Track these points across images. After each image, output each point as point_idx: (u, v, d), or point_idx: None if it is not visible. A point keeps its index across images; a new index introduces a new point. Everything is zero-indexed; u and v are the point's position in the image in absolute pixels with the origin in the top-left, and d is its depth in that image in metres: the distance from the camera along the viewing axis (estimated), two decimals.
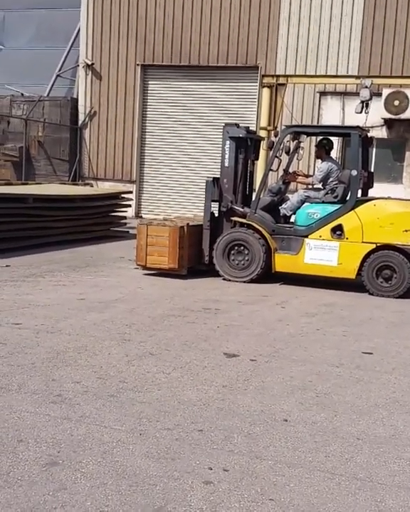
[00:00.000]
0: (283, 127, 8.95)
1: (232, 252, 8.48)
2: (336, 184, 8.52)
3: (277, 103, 13.65)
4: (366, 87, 12.74)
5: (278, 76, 13.90)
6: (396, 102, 14.69)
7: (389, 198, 8.84)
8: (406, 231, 7.81)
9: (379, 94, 14.27)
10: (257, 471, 3.17)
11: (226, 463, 3.23)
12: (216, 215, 8.82)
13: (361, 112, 13.05)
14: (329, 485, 3.07)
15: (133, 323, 5.92)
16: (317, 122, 15.74)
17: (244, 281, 8.33)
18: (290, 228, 8.46)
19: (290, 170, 9.37)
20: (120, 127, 17.56)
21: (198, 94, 17.02)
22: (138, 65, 17.24)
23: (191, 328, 5.85)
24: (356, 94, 12.87)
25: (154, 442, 3.42)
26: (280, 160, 8.87)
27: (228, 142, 8.61)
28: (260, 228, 8.39)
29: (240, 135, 8.63)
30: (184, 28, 16.73)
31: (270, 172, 8.80)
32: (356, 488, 3.05)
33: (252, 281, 8.34)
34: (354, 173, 8.10)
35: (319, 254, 8.12)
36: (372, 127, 15.02)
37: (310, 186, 9.17)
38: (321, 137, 9.33)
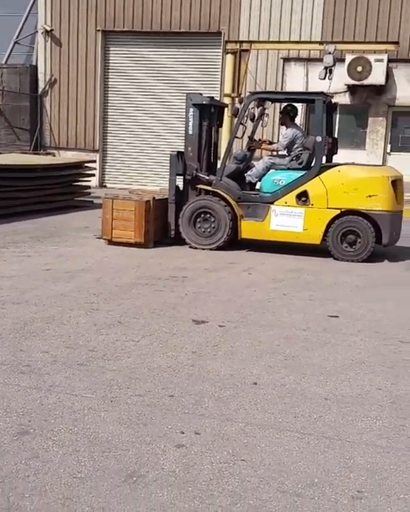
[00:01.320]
0: (248, 94, 8.87)
1: (198, 219, 8.46)
2: (301, 150, 8.52)
3: (241, 69, 13.53)
4: (330, 53, 12.68)
5: (242, 42, 13.78)
6: (359, 68, 14.70)
7: (353, 163, 8.88)
8: (370, 196, 7.87)
9: (343, 60, 14.25)
10: (228, 433, 3.21)
11: (198, 426, 3.27)
12: (181, 189, 8.76)
13: (324, 78, 13.00)
14: (298, 444, 3.13)
15: (100, 292, 5.88)
16: (281, 89, 15.66)
17: (210, 249, 8.34)
18: (256, 195, 8.46)
19: (255, 137, 9.33)
20: (82, 95, 17.22)
21: (161, 60, 16.74)
22: (98, 30, 16.85)
23: (158, 296, 5.85)
24: (320, 60, 12.81)
25: (125, 409, 3.44)
26: (245, 127, 8.82)
27: (191, 110, 8.52)
28: (226, 195, 8.37)
29: (204, 102, 8.54)
30: None
31: (235, 139, 8.74)
32: (325, 447, 3.11)
33: (218, 248, 8.35)
34: (319, 139, 8.11)
35: (285, 220, 8.15)
36: (336, 93, 14.98)
37: (275, 153, 9.15)
38: (285, 104, 9.28)
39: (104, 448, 3.00)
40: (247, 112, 8.54)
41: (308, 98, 9.40)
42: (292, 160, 8.52)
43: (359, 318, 5.42)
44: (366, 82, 14.73)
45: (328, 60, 12.71)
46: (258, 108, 8.99)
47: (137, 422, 3.28)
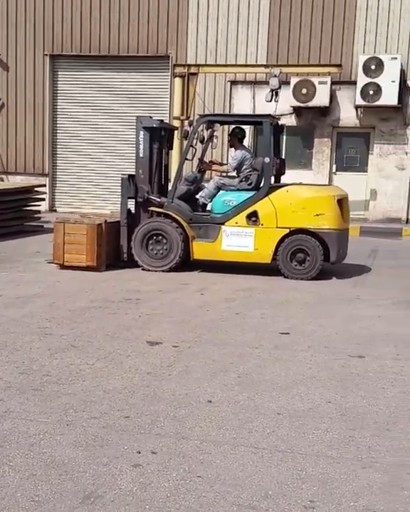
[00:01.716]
0: (197, 117, 9.04)
1: (150, 242, 8.52)
2: (250, 172, 8.72)
3: (190, 92, 13.75)
4: (275, 75, 13.03)
5: (190, 65, 13.99)
6: (304, 90, 15.10)
7: (300, 183, 9.13)
8: (317, 215, 8.10)
9: (288, 83, 14.61)
10: (184, 451, 3.28)
11: (154, 445, 3.32)
12: (133, 212, 8.83)
13: (271, 101, 13.35)
14: (253, 459, 3.22)
15: (53, 317, 5.89)
16: (229, 111, 15.95)
17: (163, 271, 8.41)
18: (207, 216, 8.59)
19: (205, 159, 9.50)
20: (30, 119, 17.18)
21: (110, 84, 16.85)
22: (46, 55, 16.89)
23: (112, 319, 5.89)
24: (266, 83, 13.15)
25: (81, 431, 3.47)
26: (195, 149, 8.98)
27: (141, 133, 8.63)
28: (178, 217, 8.48)
29: (154, 125, 8.67)
30: (93, 17, 16.50)
31: (186, 161, 8.88)
32: (278, 460, 3.21)
33: (171, 270, 8.43)
34: (267, 160, 8.32)
35: (236, 240, 8.30)
36: (282, 115, 15.34)
37: (225, 174, 9.33)
38: (234, 126, 9.49)
39: (61, 471, 3.03)
40: (197, 135, 8.71)
41: (256, 120, 9.63)
42: (241, 181, 8.70)
43: (309, 334, 5.57)
44: (311, 104, 15.13)
45: (274, 82, 13.08)
46: (207, 130, 9.18)
47: (94, 444, 3.32)
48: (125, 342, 5.17)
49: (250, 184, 8.57)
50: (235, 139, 9.13)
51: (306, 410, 3.86)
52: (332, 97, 15.36)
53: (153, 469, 3.08)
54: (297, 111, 15.60)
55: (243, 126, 9.53)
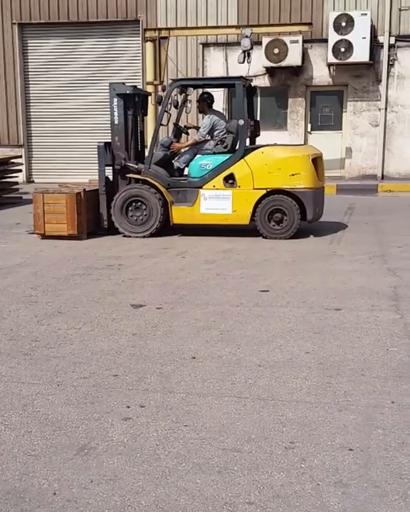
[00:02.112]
0: (170, 81, 9.03)
1: (130, 208, 8.61)
2: (224, 135, 8.78)
3: (162, 57, 13.69)
4: (247, 36, 13.00)
5: (160, 29, 13.91)
6: (276, 50, 15.04)
7: (275, 144, 9.21)
8: (293, 175, 8.22)
9: (259, 43, 14.57)
10: (171, 403, 3.46)
11: (142, 400, 3.50)
12: (111, 179, 8.87)
13: (243, 62, 13.34)
14: (236, 407, 3.41)
15: (38, 285, 6.01)
16: (202, 74, 15.88)
17: (144, 236, 8.53)
18: (185, 181, 8.68)
19: (180, 123, 9.52)
20: (2, 90, 16.97)
21: (81, 51, 16.67)
22: (14, 23, 16.60)
23: (96, 285, 6.03)
24: (238, 44, 13.13)
25: (72, 391, 3.63)
26: (170, 114, 9.00)
27: (115, 100, 8.64)
28: (156, 183, 8.55)
29: (127, 91, 8.67)
30: None
31: (161, 127, 8.91)
32: (260, 407, 3.40)
33: (151, 235, 8.55)
34: (241, 122, 8.38)
35: (214, 203, 8.42)
36: (255, 76, 15.34)
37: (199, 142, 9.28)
38: (202, 92, 9.50)
39: (55, 427, 3.20)
40: (170, 100, 8.73)
41: (228, 83, 9.65)
42: (217, 144, 8.76)
43: (287, 291, 5.75)
44: (283, 63, 15.09)
45: (245, 43, 13.04)
46: (180, 95, 9.19)
47: (85, 402, 3.49)
48: (110, 306, 5.31)
49: (225, 147, 8.64)
50: (204, 105, 9.13)
51: (285, 361, 4.05)
52: (305, 55, 15.34)
53: (142, 422, 3.26)
54: (270, 71, 15.58)
55: (212, 91, 9.53)
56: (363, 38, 14.64)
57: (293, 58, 15.02)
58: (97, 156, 8.85)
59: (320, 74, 15.56)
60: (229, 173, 8.37)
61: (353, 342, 4.39)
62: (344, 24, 14.69)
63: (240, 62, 13.29)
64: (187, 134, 9.58)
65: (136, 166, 8.70)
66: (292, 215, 8.24)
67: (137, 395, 3.57)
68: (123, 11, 16.15)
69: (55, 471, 2.79)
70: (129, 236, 8.58)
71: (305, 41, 15.08)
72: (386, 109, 15.38)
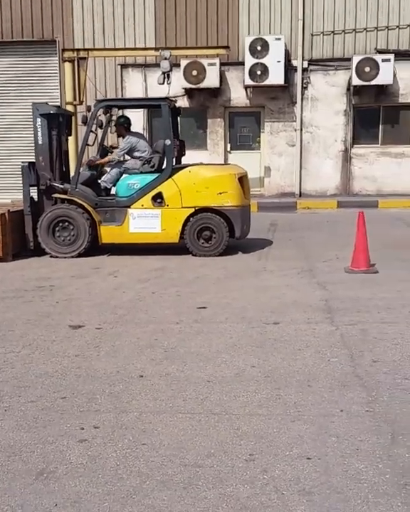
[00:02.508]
0: (95, 102, 9.01)
1: (56, 228, 8.50)
2: (150, 155, 8.83)
3: (81, 77, 13.62)
4: (166, 58, 13.16)
5: (79, 50, 13.84)
6: (195, 72, 15.33)
7: (201, 163, 9.35)
8: (220, 194, 8.37)
9: (178, 65, 14.79)
10: (125, 423, 3.43)
11: (96, 421, 3.45)
12: (36, 199, 8.73)
13: (163, 83, 13.48)
14: (191, 423, 3.42)
15: None
16: (122, 94, 15.95)
17: (72, 257, 8.42)
18: (112, 200, 8.66)
19: (106, 143, 9.50)
20: None
21: None
22: None
23: (30, 307, 5.89)
24: (157, 65, 13.27)
25: (21, 415, 3.54)
26: (96, 134, 8.98)
27: (39, 120, 8.53)
28: (83, 203, 8.49)
29: (51, 112, 8.59)
30: None
31: (87, 147, 8.86)
32: (215, 422, 3.43)
33: (80, 255, 8.45)
34: (168, 142, 8.47)
35: (143, 222, 8.43)
36: (175, 97, 15.51)
37: (114, 162, 9.18)
38: (118, 116, 9.53)
39: (9, 453, 3.10)
40: (95, 120, 8.71)
41: (154, 104, 9.73)
42: (144, 164, 8.81)
43: (224, 306, 5.83)
44: (202, 85, 15.40)
45: (165, 65, 13.20)
46: (105, 115, 9.19)
47: (36, 426, 3.41)
48: (47, 328, 5.21)
49: (152, 166, 8.70)
50: (121, 128, 9.18)
51: (233, 376, 4.10)
52: (222, 78, 15.71)
53: (99, 442, 3.22)
54: (189, 92, 15.84)
55: (132, 111, 9.58)
56: (278, 61, 15.17)
57: (211, 80, 15.36)
58: (20, 176, 8.67)
59: (238, 95, 15.96)
60: (157, 192, 8.42)
61: (295, 354, 4.50)
62: (259, 48, 15.17)
63: (160, 84, 13.43)
64: (92, 164, 9.49)
65: (62, 186, 8.61)
66: (220, 232, 8.37)
67: (89, 416, 3.51)
68: (39, 31, 16.00)
69: (16, 497, 2.71)
70: (57, 257, 8.44)
71: (222, 64, 15.46)
72: (301, 129, 15.95)
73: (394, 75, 15.28)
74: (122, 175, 8.84)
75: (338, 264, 7.68)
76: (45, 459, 3.05)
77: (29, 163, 8.65)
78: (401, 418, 3.44)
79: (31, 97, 15.94)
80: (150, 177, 8.54)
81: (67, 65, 13.53)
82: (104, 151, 9.34)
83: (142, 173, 8.70)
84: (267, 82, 15.29)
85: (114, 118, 9.42)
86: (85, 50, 14.01)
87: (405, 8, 15.43)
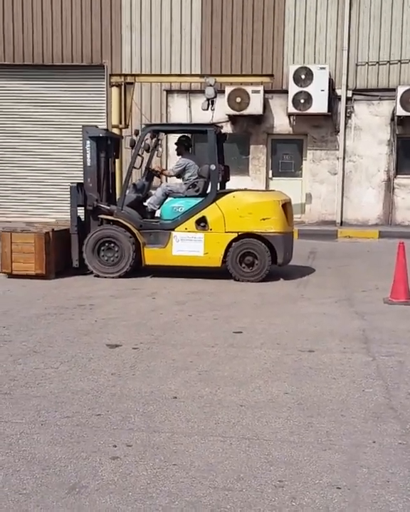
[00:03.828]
0: (143, 126, 9.18)
1: (102, 249, 8.61)
2: (196, 179, 8.94)
3: (127, 101, 13.96)
4: (211, 85, 13.37)
5: (126, 75, 14.21)
6: (238, 99, 15.53)
7: (245, 189, 9.41)
8: (264, 219, 8.40)
9: (222, 92, 15.01)
10: (157, 443, 3.48)
11: (128, 440, 3.51)
12: (83, 219, 8.89)
13: (207, 109, 13.64)
14: (222, 446, 3.45)
15: (10, 324, 5.96)
16: (166, 119, 16.23)
17: (115, 277, 8.53)
18: (157, 223, 8.76)
19: (151, 166, 9.66)
20: None
21: (44, 94, 16.81)
22: None
23: (70, 324, 6.01)
24: (201, 92, 13.51)
25: (56, 430, 3.61)
26: (142, 157, 9.14)
27: (88, 142, 8.73)
28: (128, 224, 8.59)
29: (100, 134, 8.80)
30: (25, 27, 16.48)
31: (133, 169, 8.99)
32: (246, 446, 3.45)
33: (122, 276, 8.56)
34: (213, 167, 8.57)
35: (186, 245, 8.50)
36: (218, 123, 15.77)
37: (167, 179, 9.41)
38: (180, 135, 9.67)
39: (43, 466, 3.18)
40: (143, 144, 8.87)
41: (201, 129, 9.75)
42: (188, 188, 8.91)
43: (260, 332, 5.85)
44: (245, 112, 15.58)
45: (209, 92, 13.39)
46: (152, 139, 9.37)
47: (70, 441, 3.48)
48: (85, 346, 5.31)
49: (197, 191, 8.80)
50: (182, 147, 9.35)
51: (266, 401, 4.12)
52: (266, 105, 15.86)
53: (130, 460, 3.26)
54: (232, 119, 16.02)
55: (172, 137, 9.74)
56: (321, 90, 15.27)
57: (255, 107, 15.53)
58: (65, 197, 8.86)
59: (281, 123, 16.09)
60: (201, 216, 8.49)
61: (329, 383, 4.49)
62: (303, 77, 15.30)
63: (204, 109, 13.60)
64: (159, 176, 9.73)
65: (108, 208, 8.77)
66: (263, 258, 8.38)
67: (122, 434, 3.57)
68: (88, 55, 16.46)
69: (48, 510, 2.77)
70: (100, 276, 8.57)
71: (266, 91, 15.63)
72: (344, 158, 15.96)
73: None
74: (166, 197, 8.97)
75: (377, 294, 7.64)
76: (78, 474, 3.11)
77: (77, 184, 8.84)
78: None
79: (78, 119, 16.39)
80: (194, 201, 8.63)
81: (114, 90, 13.89)
82: (149, 173, 9.47)
83: (186, 196, 8.80)
84: (310, 111, 15.39)
85: (160, 142, 9.56)
86: (132, 75, 14.39)
87: None
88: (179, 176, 9.22)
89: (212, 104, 13.81)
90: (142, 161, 9.21)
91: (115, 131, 14.04)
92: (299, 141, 16.31)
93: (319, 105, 15.33)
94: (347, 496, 2.95)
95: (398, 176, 16.01)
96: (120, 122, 13.98)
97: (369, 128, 15.91)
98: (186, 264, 8.59)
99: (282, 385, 4.43)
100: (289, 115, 15.89)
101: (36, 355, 5.00)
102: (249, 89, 15.44)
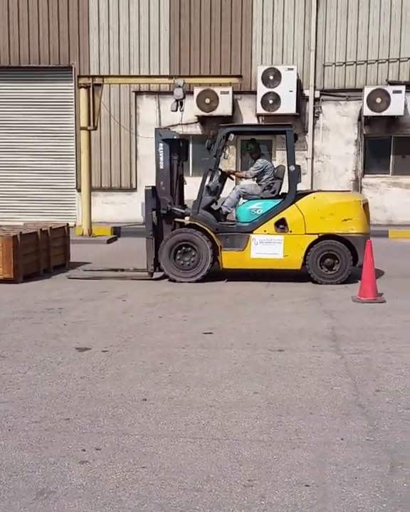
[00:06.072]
0: (220, 127, 8.81)
1: (178, 253, 8.45)
2: (273, 180, 8.81)
3: (95, 103, 13.88)
4: (180, 86, 13.40)
5: (94, 76, 14.11)
6: (207, 100, 15.54)
7: (319, 190, 9.24)
8: (345, 220, 8.33)
9: (191, 93, 15.01)
10: (126, 445, 3.46)
11: (97, 443, 3.49)
12: (156, 223, 8.63)
13: (176, 110, 13.70)
14: (192, 447, 3.45)
15: None
16: (135, 121, 16.19)
17: (192, 281, 8.36)
18: (233, 225, 8.63)
19: (223, 168, 9.42)
20: None
21: (12, 96, 16.60)
22: None
23: (38, 328, 5.95)
24: (170, 93, 13.50)
25: (24, 435, 3.58)
26: (219, 159, 8.88)
27: (161, 145, 8.57)
28: (205, 227, 8.45)
29: (174, 137, 8.67)
30: None
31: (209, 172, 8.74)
32: (215, 447, 3.46)
33: (198, 281, 8.39)
34: (292, 168, 8.42)
35: (265, 248, 8.36)
36: (187, 124, 15.81)
37: (244, 179, 9.16)
38: (252, 137, 9.42)
39: (11, 472, 3.14)
40: (220, 145, 8.63)
41: (279, 130, 9.46)
42: (264, 189, 8.76)
43: (231, 332, 5.86)
44: (214, 113, 15.59)
45: (178, 93, 13.43)
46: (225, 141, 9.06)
47: (38, 446, 3.44)
48: (54, 350, 5.26)
49: (273, 192, 8.69)
50: (255, 153, 9.17)
51: (236, 401, 4.13)
52: (235, 106, 15.89)
53: (99, 464, 3.25)
54: (201, 120, 16.03)
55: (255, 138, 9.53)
56: (290, 91, 15.35)
57: (224, 108, 15.55)
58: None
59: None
60: (280, 217, 8.37)
61: (299, 381, 4.52)
62: (271, 78, 15.36)
63: (173, 111, 13.65)
64: (232, 178, 9.52)
65: (182, 211, 8.64)
66: (344, 260, 8.28)
67: (91, 438, 3.55)
68: (56, 57, 16.32)
69: None
70: (177, 281, 8.39)
71: (234, 92, 15.65)
72: (312, 158, 16.07)
73: (405, 107, 15.41)
74: (240, 198, 8.85)
75: (346, 292, 7.72)
76: (46, 479, 3.08)
77: (152, 187, 8.62)
78: (401, 448, 3.45)
79: (46, 121, 16.28)
80: (272, 202, 8.51)
81: (83, 91, 13.79)
82: (222, 175, 9.17)
83: (262, 198, 8.68)
84: (279, 111, 15.45)
85: (228, 144, 9.27)
86: (100, 76, 14.29)
87: None
88: (256, 177, 9.02)
89: (181, 105, 13.84)
90: (217, 163, 8.84)
91: (83, 133, 13.99)
92: (268, 142, 16.35)
93: (287, 106, 15.40)
94: (316, 494, 2.98)
95: (366, 175, 16.18)
96: (89, 124, 13.90)
97: (337, 128, 16.04)
98: (265, 267, 8.45)
99: (252, 384, 4.45)
100: (258, 116, 15.94)
101: (4, 360, 4.94)
102: (218, 90, 15.45)
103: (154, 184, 8.72)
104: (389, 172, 16.21)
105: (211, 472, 3.17)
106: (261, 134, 9.55)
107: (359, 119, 15.86)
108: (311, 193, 8.80)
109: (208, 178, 8.86)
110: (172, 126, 15.70)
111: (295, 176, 8.50)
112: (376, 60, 15.74)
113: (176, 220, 8.67)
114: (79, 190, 15.22)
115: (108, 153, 16.33)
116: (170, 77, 14.42)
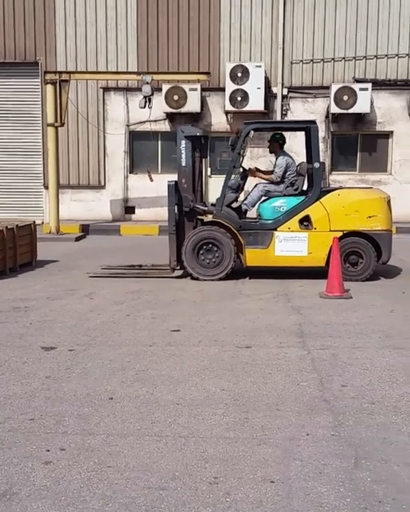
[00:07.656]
0: (243, 124, 8.69)
1: (201, 251, 8.37)
2: (295, 177, 8.72)
3: (62, 99, 13.75)
4: (148, 83, 13.36)
5: (61, 72, 13.98)
6: (176, 97, 15.48)
7: (340, 187, 9.16)
8: (370, 217, 8.28)
9: (160, 90, 14.94)
10: (92, 445, 3.43)
11: (62, 443, 3.45)
12: (177, 220, 8.52)
13: (144, 107, 13.68)
14: (158, 446, 3.43)
15: None
16: (104, 117, 16.05)
17: (215, 279, 8.30)
18: (256, 223, 8.55)
19: (245, 166, 9.31)
20: None
21: None
22: None
23: (3, 328, 5.87)
24: (138, 89, 13.42)
25: None
26: (243, 156, 8.79)
27: (183, 142, 8.44)
28: (228, 225, 8.36)
29: (197, 134, 8.53)
30: None
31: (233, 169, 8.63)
32: (181, 445, 3.45)
33: (222, 279, 8.33)
34: (317, 165, 8.34)
35: (289, 245, 8.30)
36: (155, 121, 15.75)
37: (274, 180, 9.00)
38: (274, 132, 9.30)
39: None
40: (245, 142, 8.53)
41: (303, 126, 9.16)
42: (287, 186, 8.67)
43: (198, 330, 5.86)
44: (183, 109, 15.54)
45: (146, 89, 13.40)
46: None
47: (1, 447, 3.40)
48: (19, 349, 5.20)
49: (296, 189, 8.62)
50: (276, 145, 9.05)
51: (202, 399, 4.13)
52: (203, 103, 15.87)
53: (64, 464, 3.21)
54: (170, 117, 15.97)
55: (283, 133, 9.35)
56: (258, 88, 15.37)
57: (192, 105, 15.51)
58: (167, 195, 8.42)
59: (218, 121, 16.13)
60: (305, 215, 8.31)
61: (265, 378, 4.54)
62: (239, 75, 15.37)
63: (141, 107, 13.62)
64: (253, 175, 9.39)
65: (205, 208, 8.53)
66: (369, 257, 8.25)
67: (56, 438, 3.51)
68: (22, 52, 16.11)
69: None
70: (200, 279, 8.32)
71: (203, 89, 15.63)
72: None
73: (371, 104, 15.57)
74: (260, 197, 8.74)
75: (314, 289, 7.76)
76: (9, 480, 3.04)
77: (175, 182, 8.51)
78: (365, 442, 3.48)
79: (12, 118, 16.06)
80: (296, 200, 8.43)
81: (49, 87, 13.66)
82: (244, 172, 9.03)
83: (285, 195, 8.59)
84: (247, 108, 15.47)
85: (249, 141, 9.05)
86: (67, 72, 14.16)
87: (382, 39, 15.78)
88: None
89: (149, 101, 13.81)
90: (240, 160, 8.76)
91: (50, 129, 13.85)
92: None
93: (255, 103, 15.43)
94: (281, 490, 2.99)
95: (334, 172, 16.29)
96: (56, 120, 13.78)
97: None
98: (289, 264, 8.40)
99: (219, 381, 4.45)
100: (226, 113, 15.94)
101: None
102: (186, 86, 15.40)
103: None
104: (356, 169, 16.36)
105: (176, 470, 3.16)
106: (285, 130, 9.45)
107: (327, 116, 15.96)
108: (335, 189, 8.77)
109: (232, 176, 8.77)
110: (140, 123, 15.67)
111: (320, 173, 8.46)
112: (343, 58, 15.85)
113: (199, 217, 8.61)
114: (46, 188, 15.07)
115: (76, 150, 16.17)
116: (138, 73, 14.37)
